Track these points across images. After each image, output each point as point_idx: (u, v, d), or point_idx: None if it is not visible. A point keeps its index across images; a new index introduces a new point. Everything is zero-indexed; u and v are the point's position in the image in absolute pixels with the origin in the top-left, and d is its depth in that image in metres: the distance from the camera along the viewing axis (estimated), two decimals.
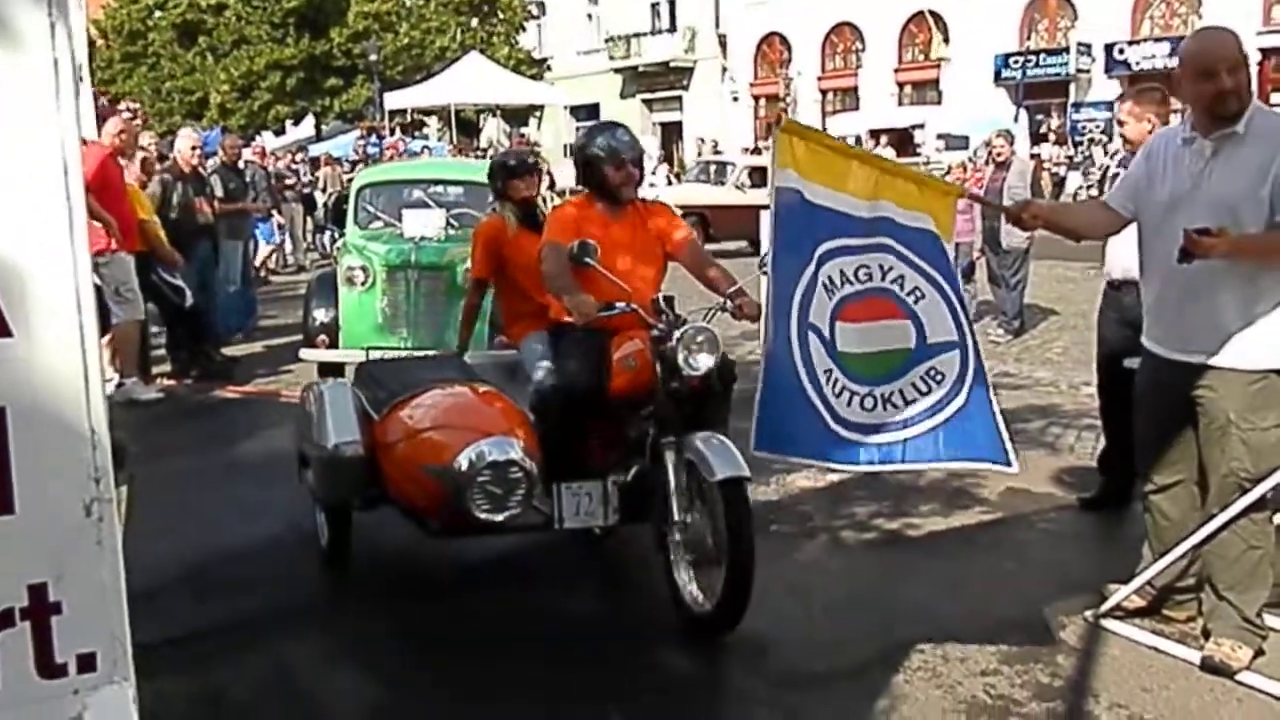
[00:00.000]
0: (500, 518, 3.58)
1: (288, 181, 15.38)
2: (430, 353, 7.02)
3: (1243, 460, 3.25)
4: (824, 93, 34.12)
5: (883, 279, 3.69)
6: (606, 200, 4.16)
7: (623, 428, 3.94)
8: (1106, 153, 19.48)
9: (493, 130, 26.92)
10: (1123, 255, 4.44)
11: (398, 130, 26.31)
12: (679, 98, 37.52)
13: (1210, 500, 3.39)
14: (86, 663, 1.37)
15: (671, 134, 37.22)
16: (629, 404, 3.83)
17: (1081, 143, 25.65)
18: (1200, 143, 3.28)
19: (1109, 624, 3.71)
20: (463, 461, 3.54)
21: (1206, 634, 3.44)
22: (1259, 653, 3.35)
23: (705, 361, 3.61)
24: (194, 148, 8.90)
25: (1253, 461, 3.24)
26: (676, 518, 3.64)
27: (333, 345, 7.35)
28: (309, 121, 31.93)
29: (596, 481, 3.88)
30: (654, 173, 21.94)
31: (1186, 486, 3.53)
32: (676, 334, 3.63)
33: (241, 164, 10.91)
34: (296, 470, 4.40)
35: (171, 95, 32.55)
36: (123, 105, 13.85)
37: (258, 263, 14.09)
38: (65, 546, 1.36)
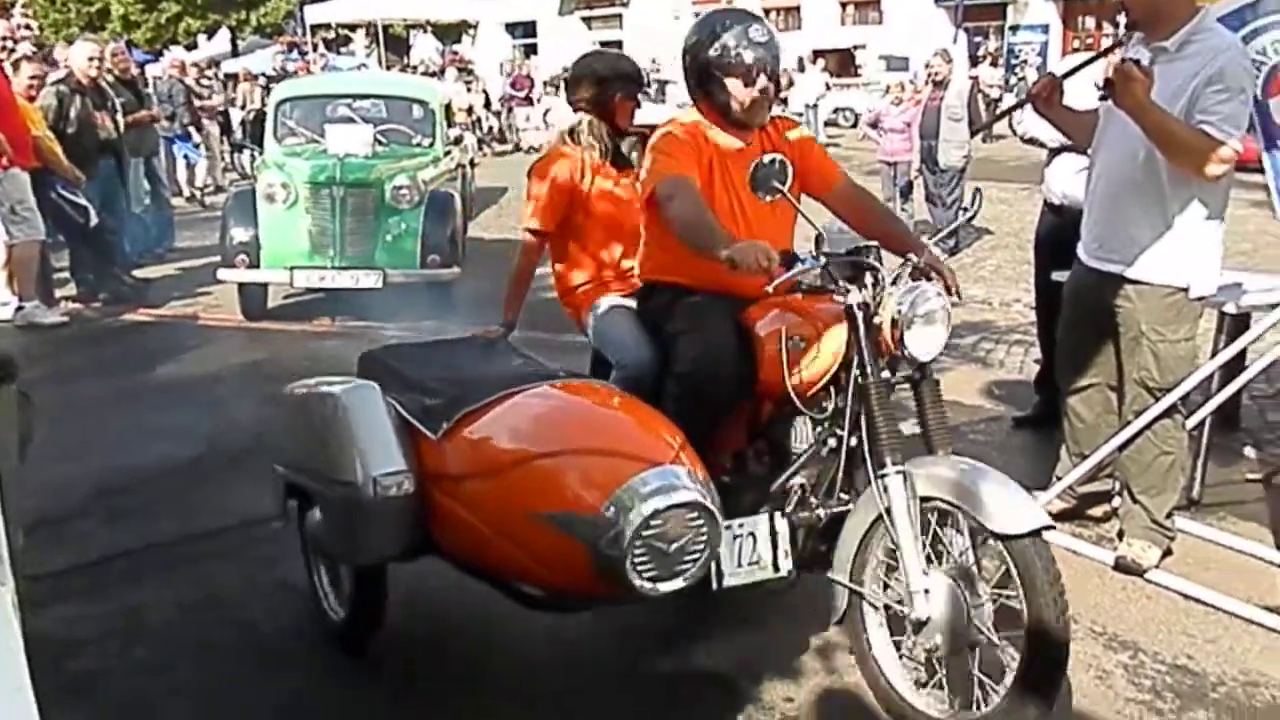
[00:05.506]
0: (670, 586, 2.32)
1: (203, 98, 14.71)
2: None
3: (1151, 370, 3.34)
4: (766, 11, 33.01)
5: None
6: (729, 121, 3.01)
7: (778, 435, 2.87)
8: (1040, 75, 19.50)
9: (424, 48, 25.93)
10: (1061, 178, 4.48)
11: (320, 46, 25.29)
12: (619, 15, 36.72)
13: (1126, 407, 3.48)
14: None
15: None
16: (789, 402, 2.73)
17: (1016, 65, 25.69)
18: (1141, 52, 3.28)
19: None
20: (615, 506, 2.28)
21: (1121, 535, 3.55)
22: (1167, 552, 3.48)
23: (936, 343, 2.57)
24: (91, 59, 8.35)
25: (1160, 372, 3.33)
26: (914, 585, 2.44)
27: (253, 265, 7.13)
28: (223, 36, 30.71)
29: (761, 516, 2.69)
30: None
31: (1100, 390, 3.61)
32: (895, 303, 2.56)
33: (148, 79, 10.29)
34: (281, 506, 3.28)
35: (68, 5, 30.85)
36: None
37: (199, 182, 13.64)
38: None
